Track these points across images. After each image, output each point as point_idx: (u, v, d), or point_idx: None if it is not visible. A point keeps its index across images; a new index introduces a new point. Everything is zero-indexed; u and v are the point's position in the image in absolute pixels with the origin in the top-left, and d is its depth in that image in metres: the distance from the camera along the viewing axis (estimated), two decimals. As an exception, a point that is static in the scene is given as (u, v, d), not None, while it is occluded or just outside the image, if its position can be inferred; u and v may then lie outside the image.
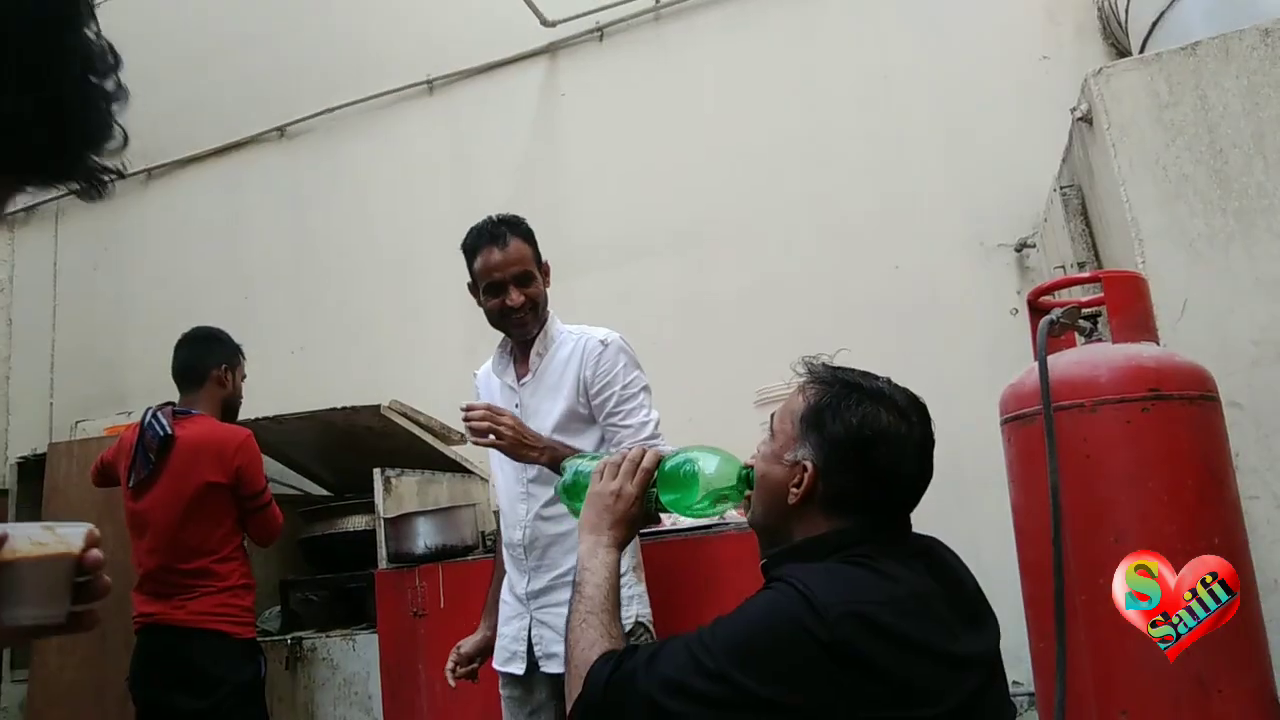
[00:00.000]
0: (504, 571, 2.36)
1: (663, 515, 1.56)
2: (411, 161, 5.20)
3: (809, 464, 1.27)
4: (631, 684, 1.15)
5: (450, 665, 2.33)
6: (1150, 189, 2.39)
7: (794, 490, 1.27)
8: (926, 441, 1.30)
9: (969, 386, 3.38)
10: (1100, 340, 2.03)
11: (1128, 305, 1.99)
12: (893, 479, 1.28)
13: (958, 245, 4.01)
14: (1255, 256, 2.28)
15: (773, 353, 3.84)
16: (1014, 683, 3.47)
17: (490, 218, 2.25)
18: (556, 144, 4.88)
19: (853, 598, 1.12)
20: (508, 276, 2.17)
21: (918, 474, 1.30)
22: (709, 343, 4.25)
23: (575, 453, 1.97)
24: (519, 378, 2.31)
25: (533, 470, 2.21)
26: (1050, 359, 1.91)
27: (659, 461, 1.41)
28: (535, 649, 2.20)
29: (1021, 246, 3.88)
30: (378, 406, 3.83)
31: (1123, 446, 1.77)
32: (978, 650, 1.23)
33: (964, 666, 1.19)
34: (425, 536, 3.39)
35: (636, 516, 1.39)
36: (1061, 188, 2.99)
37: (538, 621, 2.21)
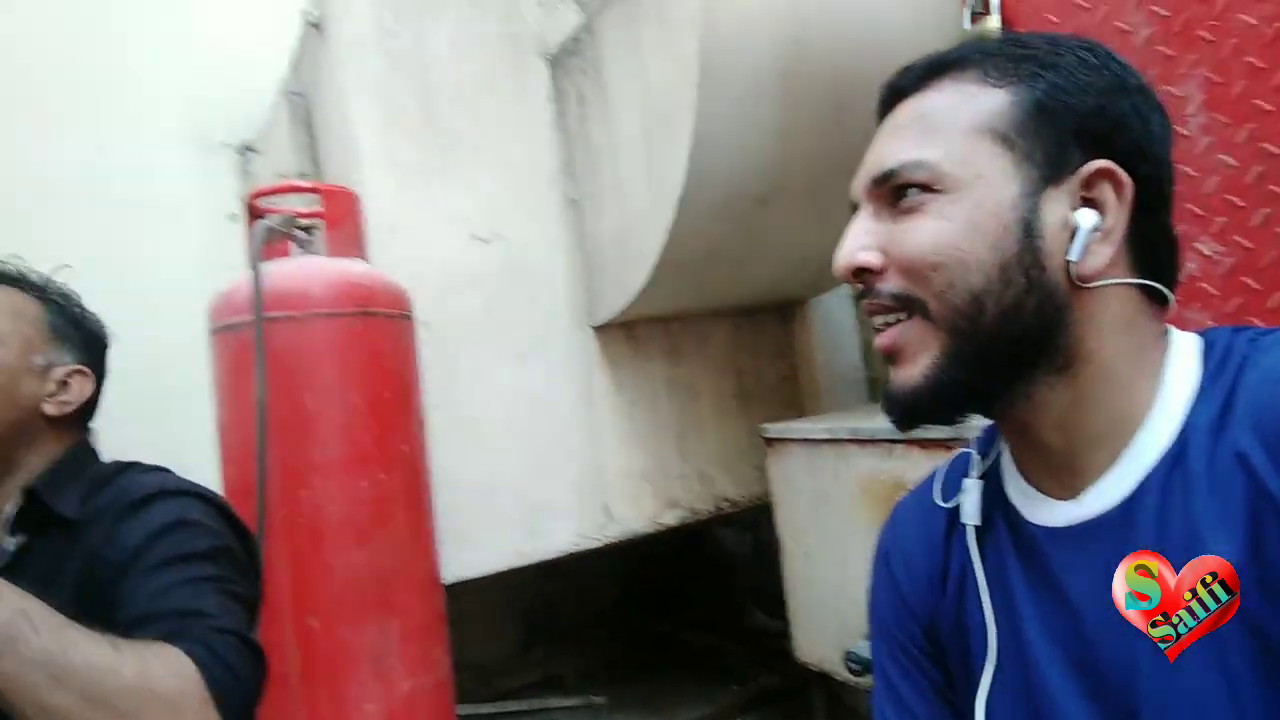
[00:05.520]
0: None
1: None
2: None
3: (77, 368, 1.15)
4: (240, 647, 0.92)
5: None
6: (371, 111, 2.48)
7: (60, 399, 1.13)
8: None
9: (180, 292, 3.09)
10: (315, 254, 2.03)
11: (343, 221, 2.02)
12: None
13: (174, 137, 3.63)
14: (451, 194, 2.56)
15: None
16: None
17: None
18: None
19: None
20: None
21: None
22: None
23: None
24: None
25: None
26: (266, 268, 1.84)
27: None
28: None
29: (245, 149, 3.71)
30: None
31: (330, 359, 1.80)
32: None
33: None
34: None
35: None
36: (290, 93, 2.91)
37: None
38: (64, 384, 1.13)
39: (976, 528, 0.74)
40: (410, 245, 2.46)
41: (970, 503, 0.75)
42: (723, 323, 2.99)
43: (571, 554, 2.60)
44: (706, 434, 2.91)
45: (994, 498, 0.75)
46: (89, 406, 1.19)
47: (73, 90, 3.47)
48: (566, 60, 2.70)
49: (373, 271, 2.02)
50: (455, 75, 2.61)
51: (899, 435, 1.97)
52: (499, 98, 2.66)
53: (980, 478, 0.76)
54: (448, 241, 2.53)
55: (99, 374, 1.20)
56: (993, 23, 1.33)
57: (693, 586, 3.93)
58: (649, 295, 2.51)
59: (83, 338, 1.18)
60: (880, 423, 2.06)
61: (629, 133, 2.44)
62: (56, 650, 0.77)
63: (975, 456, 0.78)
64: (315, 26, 2.54)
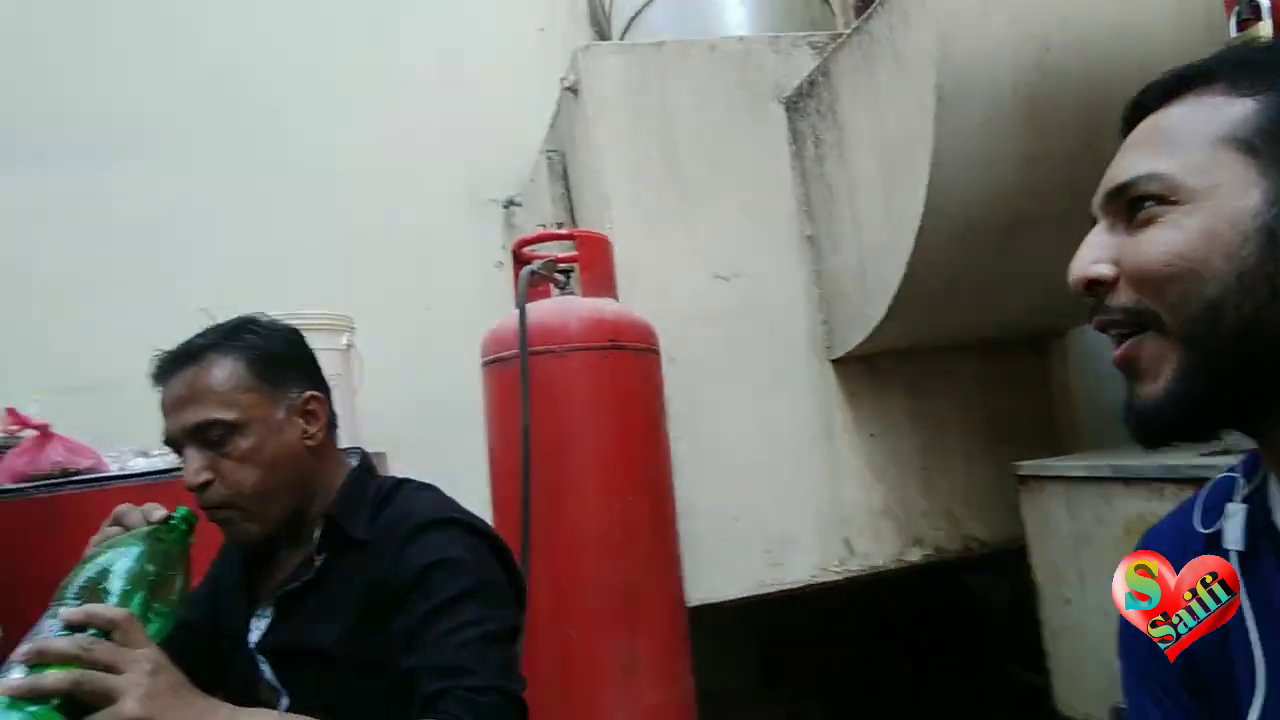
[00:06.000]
0: None
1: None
2: None
3: (310, 394, 1.21)
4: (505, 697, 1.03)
5: None
6: (620, 162, 2.67)
7: (313, 430, 1.20)
8: None
9: (454, 333, 3.46)
10: (571, 294, 2.22)
11: (595, 263, 2.20)
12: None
13: (451, 198, 4.09)
14: (693, 235, 2.69)
15: (246, 283, 3.56)
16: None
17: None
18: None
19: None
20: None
21: None
22: (163, 268, 3.68)
23: None
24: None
25: None
26: (528, 307, 2.04)
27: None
28: None
29: (509, 204, 4.09)
30: None
31: (586, 389, 1.96)
32: None
33: None
34: None
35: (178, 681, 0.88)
36: (548, 151, 3.20)
37: None
38: (307, 414, 1.20)
39: (1240, 554, 0.70)
40: (656, 284, 2.61)
41: (1234, 528, 0.71)
42: (969, 355, 2.89)
43: (811, 587, 2.60)
44: (953, 470, 2.81)
45: (1259, 524, 0.71)
46: (332, 413, 1.25)
47: (367, 163, 4.01)
48: (802, 103, 2.76)
49: (622, 309, 2.17)
50: (696, 124, 2.75)
51: (1169, 474, 1.82)
52: (737, 143, 2.77)
53: (1244, 502, 0.72)
54: (691, 280, 2.66)
55: (318, 380, 1.24)
56: (1264, 28, 1.24)
57: (942, 634, 3.76)
58: (889, 328, 2.49)
59: (288, 361, 1.21)
60: (1149, 460, 1.91)
61: (865, 169, 2.45)
62: None
63: (1239, 480, 0.74)
64: (571, 90, 2.79)
